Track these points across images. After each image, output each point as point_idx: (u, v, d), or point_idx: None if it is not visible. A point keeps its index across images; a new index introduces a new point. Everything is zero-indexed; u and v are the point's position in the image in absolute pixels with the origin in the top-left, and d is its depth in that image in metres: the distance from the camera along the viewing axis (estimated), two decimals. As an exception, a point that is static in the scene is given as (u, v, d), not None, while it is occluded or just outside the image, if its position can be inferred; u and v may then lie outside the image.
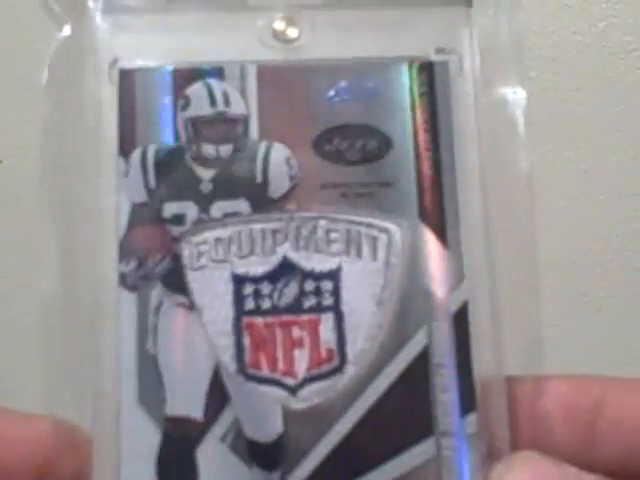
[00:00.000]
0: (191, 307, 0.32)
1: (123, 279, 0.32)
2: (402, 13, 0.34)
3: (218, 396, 0.31)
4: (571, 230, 0.36)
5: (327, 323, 0.32)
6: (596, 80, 0.37)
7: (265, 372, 0.32)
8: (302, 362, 0.32)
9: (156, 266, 0.32)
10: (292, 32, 0.34)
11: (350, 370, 0.32)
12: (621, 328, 0.37)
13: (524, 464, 0.30)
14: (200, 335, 0.32)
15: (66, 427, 0.31)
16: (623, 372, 0.32)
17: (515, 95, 0.34)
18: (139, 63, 0.34)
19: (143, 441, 0.31)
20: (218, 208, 0.33)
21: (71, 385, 0.32)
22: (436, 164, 0.33)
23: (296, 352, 0.32)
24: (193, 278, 0.32)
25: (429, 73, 0.34)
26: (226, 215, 0.33)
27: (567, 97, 0.37)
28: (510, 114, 0.34)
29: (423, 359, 0.32)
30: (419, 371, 0.32)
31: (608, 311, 0.37)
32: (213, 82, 0.34)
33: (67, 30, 0.34)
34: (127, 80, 0.34)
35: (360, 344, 0.32)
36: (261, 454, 0.31)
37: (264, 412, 0.31)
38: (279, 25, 0.34)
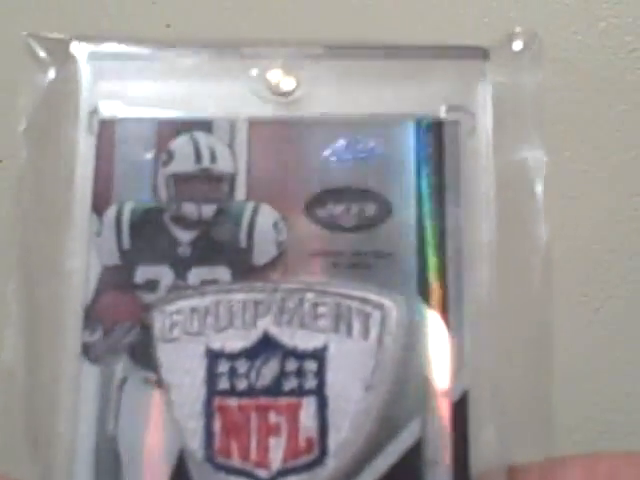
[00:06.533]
0: (159, 384, 0.29)
1: (86, 349, 0.29)
2: (410, 65, 0.31)
3: (182, 486, 0.28)
4: (570, 230, 0.34)
5: (308, 408, 0.28)
6: (596, 80, 0.36)
7: (236, 462, 0.28)
8: (278, 452, 0.28)
9: (123, 337, 0.29)
10: (288, 83, 0.31)
11: (331, 463, 0.28)
12: (621, 328, 0.34)
13: None
14: (166, 416, 0.28)
15: None
16: (622, 374, 0.31)
17: (534, 160, 0.30)
18: (121, 113, 0.31)
19: None
20: (196, 274, 0.30)
21: (28, 461, 0.29)
22: (440, 235, 0.30)
23: (272, 440, 0.28)
24: (163, 352, 0.29)
25: (438, 133, 0.31)
26: (204, 283, 0.30)
27: (567, 97, 0.35)
28: (527, 181, 0.30)
29: (415, 455, 0.28)
30: (409, 468, 0.28)
31: (608, 311, 0.35)
32: (199, 136, 0.31)
33: (51, 75, 0.32)
34: (107, 131, 0.31)
35: (344, 434, 0.28)
36: None
37: (232, 508, 0.28)
38: (274, 75, 0.31)
